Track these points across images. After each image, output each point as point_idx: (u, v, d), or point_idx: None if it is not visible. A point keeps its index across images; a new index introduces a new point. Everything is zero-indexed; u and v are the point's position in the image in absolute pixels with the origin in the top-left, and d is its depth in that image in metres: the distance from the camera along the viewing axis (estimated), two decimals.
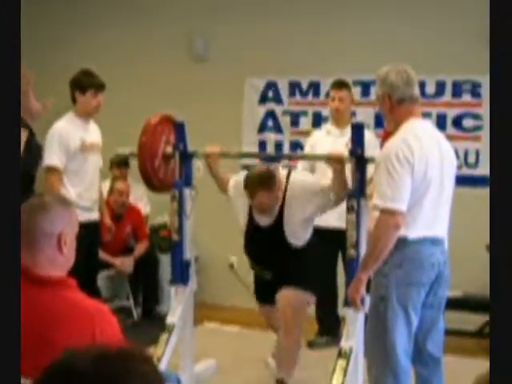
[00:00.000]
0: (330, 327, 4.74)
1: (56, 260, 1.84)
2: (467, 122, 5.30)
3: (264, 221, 3.72)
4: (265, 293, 3.87)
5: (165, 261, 5.56)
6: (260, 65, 5.87)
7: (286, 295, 3.69)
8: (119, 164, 5.66)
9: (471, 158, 5.28)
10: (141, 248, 5.56)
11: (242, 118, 5.96)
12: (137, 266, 5.47)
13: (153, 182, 3.77)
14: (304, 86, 5.77)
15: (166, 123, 3.82)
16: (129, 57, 6.37)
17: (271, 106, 5.88)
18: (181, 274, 3.83)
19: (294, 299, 3.70)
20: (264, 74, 5.87)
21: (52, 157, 4.01)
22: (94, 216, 4.31)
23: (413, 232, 2.90)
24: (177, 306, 3.81)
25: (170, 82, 6.02)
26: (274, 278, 3.74)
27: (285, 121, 5.80)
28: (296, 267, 3.71)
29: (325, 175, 3.90)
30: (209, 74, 6.04)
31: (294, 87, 5.80)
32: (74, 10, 6.60)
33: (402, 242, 2.90)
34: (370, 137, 4.14)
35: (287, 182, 3.70)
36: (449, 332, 4.79)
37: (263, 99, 5.89)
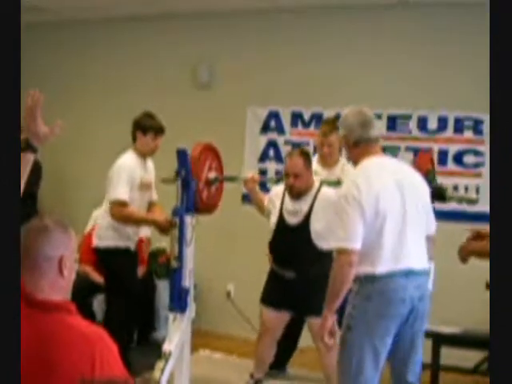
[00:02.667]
0: None
1: (57, 284, 1.88)
2: (468, 159, 5.37)
3: (293, 220, 4.14)
4: (283, 295, 4.12)
5: (162, 287, 5.60)
6: (263, 94, 6.00)
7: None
8: None
9: (472, 195, 5.31)
10: (138, 273, 5.56)
11: (243, 147, 6.07)
12: None
13: (197, 204, 4.00)
14: (306, 116, 5.87)
15: (209, 151, 4.21)
16: (132, 83, 6.47)
17: (273, 135, 5.99)
18: (179, 302, 3.89)
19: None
20: (267, 103, 5.99)
21: (122, 191, 4.31)
22: (133, 245, 4.60)
23: (379, 267, 3.02)
24: (174, 333, 3.84)
25: (173, 109, 6.09)
26: (296, 278, 4.08)
27: (286, 151, 5.68)
28: (319, 270, 3.87)
29: None
30: (212, 101, 6.15)
31: (296, 118, 5.90)
32: (76, 36, 6.71)
33: (371, 277, 3.03)
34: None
35: (319, 190, 4.15)
36: (446, 368, 4.80)
37: (265, 128, 6.01)
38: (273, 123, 5.98)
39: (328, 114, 5.65)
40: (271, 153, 6.00)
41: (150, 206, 4.65)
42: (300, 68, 5.88)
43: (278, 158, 5.95)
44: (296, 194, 4.13)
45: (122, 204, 4.32)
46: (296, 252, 4.06)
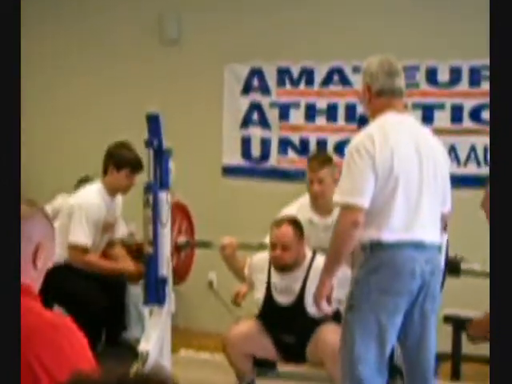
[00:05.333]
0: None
1: (27, 270, 1.90)
2: (487, 114, 5.28)
3: (284, 299, 4.06)
4: (282, 349, 4.13)
5: None
6: (242, 48, 5.89)
7: (328, 344, 3.86)
8: None
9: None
10: None
11: (221, 111, 6.02)
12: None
13: None
14: (295, 73, 5.82)
15: (177, 210, 4.11)
16: (89, 38, 6.37)
17: (256, 96, 5.94)
18: (156, 293, 3.84)
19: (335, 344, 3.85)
20: (247, 59, 5.91)
21: (83, 235, 4.37)
22: None
23: (387, 234, 3.01)
24: (151, 330, 3.81)
25: (136, 69, 6.06)
26: (297, 342, 4.04)
27: (272, 114, 5.81)
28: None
29: None
30: (181, 59, 6.07)
31: (282, 75, 5.86)
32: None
33: (377, 246, 3.03)
34: None
35: (312, 261, 4.02)
36: (468, 358, 4.95)
37: (247, 89, 5.95)
38: (255, 82, 5.94)
39: (321, 69, 5.82)
40: (255, 117, 5.94)
41: (110, 244, 4.70)
42: (286, 15, 5.81)
43: (264, 123, 5.91)
44: (283, 268, 4.03)
45: (82, 250, 4.38)
46: (292, 328, 4.04)
